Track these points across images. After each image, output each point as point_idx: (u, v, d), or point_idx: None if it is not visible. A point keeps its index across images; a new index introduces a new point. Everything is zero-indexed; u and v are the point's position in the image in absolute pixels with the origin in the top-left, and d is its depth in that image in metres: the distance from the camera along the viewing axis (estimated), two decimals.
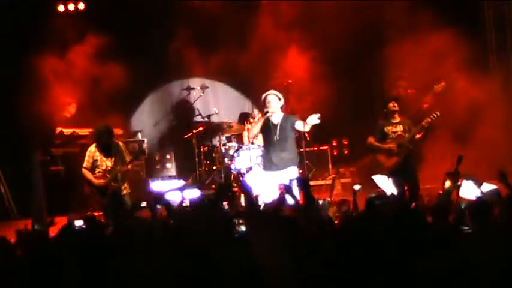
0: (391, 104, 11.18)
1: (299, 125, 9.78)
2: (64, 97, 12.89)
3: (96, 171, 10.41)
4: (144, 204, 6.42)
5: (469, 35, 12.46)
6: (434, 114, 10.96)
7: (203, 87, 14.26)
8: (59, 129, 12.70)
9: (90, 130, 12.71)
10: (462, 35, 12.43)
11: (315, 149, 13.71)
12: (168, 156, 14.05)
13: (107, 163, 10.44)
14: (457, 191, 5.80)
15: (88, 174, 10.43)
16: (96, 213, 9.98)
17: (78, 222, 5.79)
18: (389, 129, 11.23)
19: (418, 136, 11.01)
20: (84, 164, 10.45)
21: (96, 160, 10.45)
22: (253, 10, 14.13)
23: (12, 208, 11.94)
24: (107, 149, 10.43)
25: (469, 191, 5.64)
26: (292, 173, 9.66)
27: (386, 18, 13.87)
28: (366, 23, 13.48)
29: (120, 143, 10.81)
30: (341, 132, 14.02)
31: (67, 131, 12.73)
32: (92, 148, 10.53)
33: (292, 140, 10.01)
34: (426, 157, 11.70)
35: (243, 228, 2.60)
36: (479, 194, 5.33)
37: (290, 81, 13.36)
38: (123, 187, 10.32)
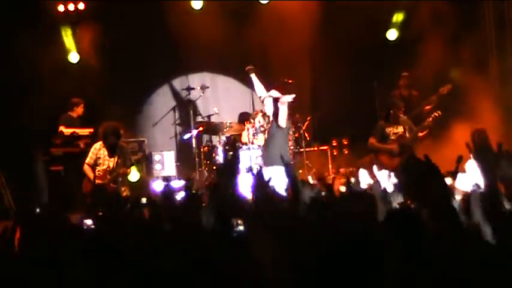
0: (399, 112, 11.23)
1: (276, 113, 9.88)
2: (72, 97, 12.89)
3: (96, 170, 10.43)
4: (143, 201, 6.39)
5: (469, 35, 12.46)
6: (435, 114, 11.00)
7: (203, 87, 14.24)
8: (59, 130, 12.69)
9: (91, 130, 12.74)
10: (462, 35, 12.44)
11: (315, 149, 13.70)
12: (168, 156, 14.04)
13: (109, 163, 10.47)
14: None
15: (89, 171, 10.47)
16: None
17: (88, 221, 5.75)
18: (390, 130, 11.26)
19: (420, 135, 11.07)
20: (87, 160, 10.51)
21: (99, 158, 10.49)
22: (255, 10, 14.20)
23: (12, 208, 11.92)
24: (112, 149, 10.46)
25: (465, 183, 5.52)
26: (276, 172, 9.29)
27: (388, 18, 13.90)
28: (368, 24, 13.49)
29: (125, 145, 10.86)
30: (341, 132, 14.01)
31: (67, 131, 12.71)
32: (97, 145, 10.58)
33: (278, 137, 10.03)
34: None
35: (241, 228, 2.59)
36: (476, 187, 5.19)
37: (290, 81, 13.34)
38: (122, 189, 10.34)
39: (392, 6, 13.76)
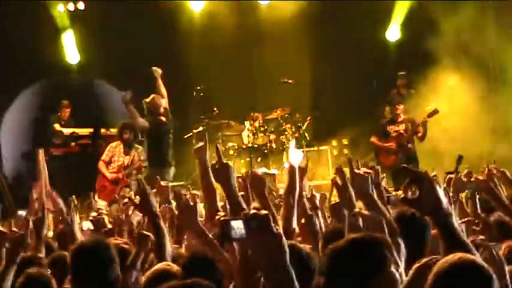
0: (394, 108, 11.23)
1: None
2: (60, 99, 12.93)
3: (111, 167, 10.72)
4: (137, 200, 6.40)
5: (469, 34, 12.45)
6: (432, 110, 10.98)
7: (203, 87, 14.19)
8: (59, 129, 12.70)
9: (91, 130, 12.79)
10: (462, 35, 12.42)
11: (315, 148, 13.68)
12: None
13: (124, 160, 10.78)
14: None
15: (103, 167, 10.89)
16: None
17: (87, 224, 5.77)
18: (391, 128, 11.29)
19: (419, 135, 11.06)
20: (103, 157, 10.96)
21: (114, 155, 10.88)
22: (255, 10, 14.23)
23: (11, 208, 11.93)
24: (128, 146, 10.77)
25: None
26: None
27: (388, 18, 13.90)
28: (368, 24, 13.50)
29: (139, 145, 11.16)
30: (341, 132, 14.00)
31: (67, 131, 12.73)
32: (114, 144, 11.02)
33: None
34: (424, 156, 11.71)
35: (241, 232, 2.58)
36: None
37: (291, 81, 13.35)
38: (127, 190, 10.62)
39: (392, 6, 13.75)
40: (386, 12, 13.77)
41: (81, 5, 13.75)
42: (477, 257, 2.72)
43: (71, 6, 13.77)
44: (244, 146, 13.12)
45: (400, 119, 11.31)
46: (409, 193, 3.10)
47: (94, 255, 3.83)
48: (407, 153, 11.03)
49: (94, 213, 6.04)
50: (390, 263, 2.79)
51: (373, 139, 11.43)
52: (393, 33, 13.89)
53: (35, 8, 13.30)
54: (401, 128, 11.25)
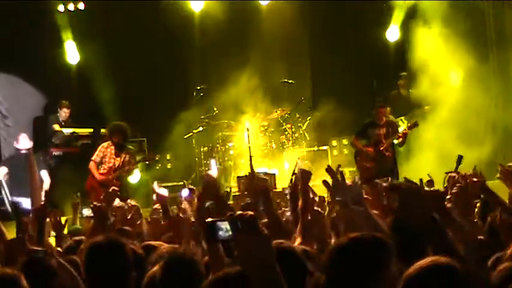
0: (376, 110, 11.16)
1: None
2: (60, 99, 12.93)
3: (102, 168, 10.63)
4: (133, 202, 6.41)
5: (469, 34, 12.43)
6: (412, 125, 10.93)
7: (203, 87, 14.20)
8: (59, 129, 12.70)
9: (90, 130, 12.78)
10: (462, 34, 12.40)
11: (315, 148, 13.67)
12: (168, 157, 14.03)
13: (115, 161, 10.67)
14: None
15: (93, 167, 10.74)
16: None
17: (86, 211, 5.76)
18: (371, 131, 11.20)
19: (399, 140, 10.96)
20: (93, 157, 10.82)
21: (105, 156, 10.75)
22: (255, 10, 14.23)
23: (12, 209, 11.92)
24: (119, 148, 10.69)
25: None
26: None
27: (388, 18, 13.89)
28: (367, 24, 13.50)
29: (131, 146, 11.07)
30: (341, 132, 14.00)
31: (67, 131, 12.72)
32: (105, 144, 10.90)
33: None
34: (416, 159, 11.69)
35: (228, 233, 2.58)
36: None
37: (291, 81, 13.35)
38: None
39: (392, 6, 13.74)
40: (387, 12, 13.76)
41: (81, 5, 13.75)
42: (452, 260, 2.70)
43: (71, 6, 13.77)
44: (244, 146, 13.11)
45: (381, 122, 11.21)
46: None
47: (109, 254, 3.80)
48: (384, 165, 10.92)
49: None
50: (391, 263, 2.78)
51: (353, 139, 11.45)
52: (393, 33, 13.87)
53: (35, 8, 13.28)
54: (382, 131, 11.16)
